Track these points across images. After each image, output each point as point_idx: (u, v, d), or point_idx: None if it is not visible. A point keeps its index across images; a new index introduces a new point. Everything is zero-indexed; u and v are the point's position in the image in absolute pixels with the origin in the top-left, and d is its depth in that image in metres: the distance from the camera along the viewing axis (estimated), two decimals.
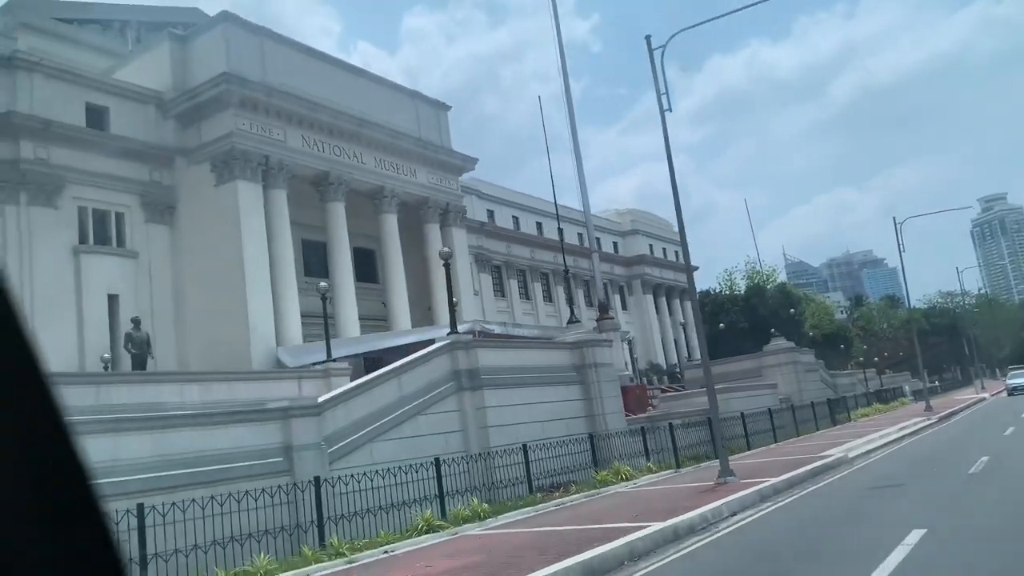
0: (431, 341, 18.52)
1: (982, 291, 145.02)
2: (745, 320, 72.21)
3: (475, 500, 14.05)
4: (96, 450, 10.78)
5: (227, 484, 11.96)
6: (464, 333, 18.97)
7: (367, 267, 40.15)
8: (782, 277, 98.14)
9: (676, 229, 74.37)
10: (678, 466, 20.35)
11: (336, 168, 35.79)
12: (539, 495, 15.90)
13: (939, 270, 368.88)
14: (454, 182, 43.93)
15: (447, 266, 18.29)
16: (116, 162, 30.77)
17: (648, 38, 17.20)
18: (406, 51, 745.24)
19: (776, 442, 26.54)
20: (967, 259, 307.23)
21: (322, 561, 11.00)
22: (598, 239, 66.01)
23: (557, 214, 41.49)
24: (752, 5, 18.76)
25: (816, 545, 9.89)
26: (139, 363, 27.68)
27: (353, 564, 11.01)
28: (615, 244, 66.14)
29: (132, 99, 32.04)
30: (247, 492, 11.82)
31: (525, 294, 54.34)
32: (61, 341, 27.09)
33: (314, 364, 28.83)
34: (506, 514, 14.11)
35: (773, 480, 15.62)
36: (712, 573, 9.31)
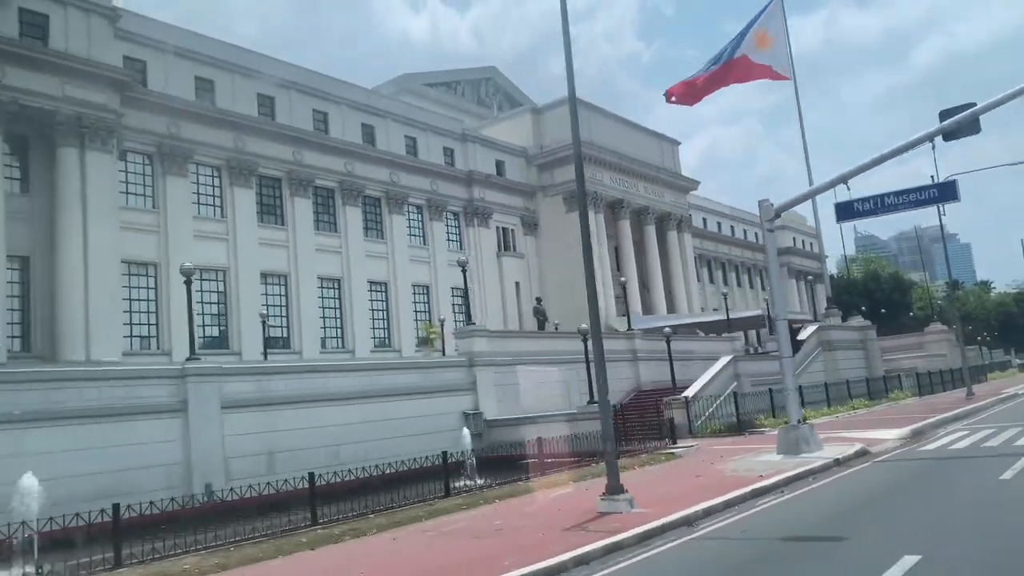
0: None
1: None
2: (864, 303, 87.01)
3: (856, 399, 30.50)
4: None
5: (764, 386, 28.43)
6: (822, 320, 35.23)
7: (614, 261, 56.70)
8: (851, 251, 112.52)
9: (808, 222, 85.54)
10: (921, 395, 36.43)
11: (626, 196, 52.22)
12: (874, 402, 32.15)
13: (1004, 243, 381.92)
14: (683, 199, 59.98)
15: (808, 280, 34.42)
16: (509, 197, 47.73)
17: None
18: (476, 9, 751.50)
19: (955, 388, 42.17)
20: None
21: (827, 415, 27.44)
22: (745, 231, 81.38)
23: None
24: None
25: None
26: (540, 326, 44.79)
27: (838, 417, 27.41)
28: (756, 235, 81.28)
29: (513, 154, 48.80)
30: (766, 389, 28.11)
31: (710, 279, 70.25)
32: (495, 310, 44.59)
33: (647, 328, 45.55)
34: (876, 407, 30.39)
35: (1004, 394, 31.53)
36: None
